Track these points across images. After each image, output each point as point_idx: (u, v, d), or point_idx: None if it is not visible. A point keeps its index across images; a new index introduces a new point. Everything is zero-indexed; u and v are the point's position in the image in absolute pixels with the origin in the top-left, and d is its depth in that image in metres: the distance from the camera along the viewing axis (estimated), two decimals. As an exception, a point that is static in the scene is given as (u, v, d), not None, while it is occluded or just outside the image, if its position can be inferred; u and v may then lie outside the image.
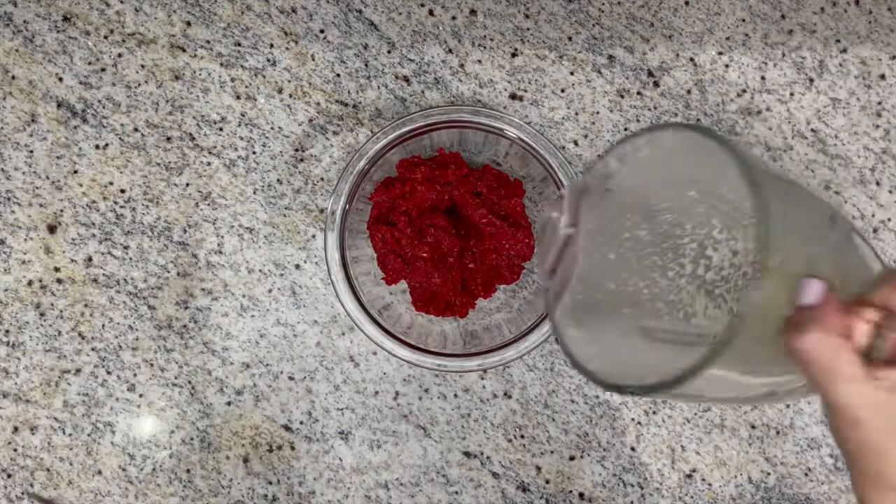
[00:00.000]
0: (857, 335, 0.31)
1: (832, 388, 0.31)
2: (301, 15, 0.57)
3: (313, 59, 0.56)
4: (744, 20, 0.57)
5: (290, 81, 0.56)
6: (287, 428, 0.56)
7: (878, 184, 0.57)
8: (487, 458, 0.56)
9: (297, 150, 0.56)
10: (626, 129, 0.57)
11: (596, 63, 0.57)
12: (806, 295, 0.31)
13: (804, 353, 0.31)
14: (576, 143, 0.57)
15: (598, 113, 0.57)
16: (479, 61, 0.57)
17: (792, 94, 0.57)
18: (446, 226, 0.52)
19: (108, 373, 0.55)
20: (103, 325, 0.55)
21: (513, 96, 0.57)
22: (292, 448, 0.56)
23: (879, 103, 0.57)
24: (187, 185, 0.56)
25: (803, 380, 0.33)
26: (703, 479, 0.56)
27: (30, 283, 0.56)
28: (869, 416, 0.30)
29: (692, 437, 0.56)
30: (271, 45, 0.56)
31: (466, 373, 0.55)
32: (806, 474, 0.56)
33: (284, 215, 0.56)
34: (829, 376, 0.31)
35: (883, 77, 0.57)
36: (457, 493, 0.56)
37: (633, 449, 0.56)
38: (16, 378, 0.55)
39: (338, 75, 0.56)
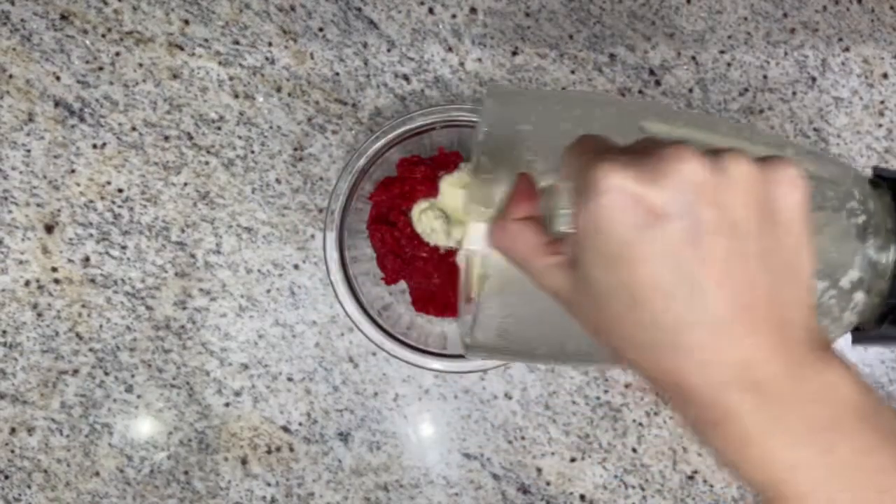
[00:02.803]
0: (539, 214, 0.30)
1: (531, 274, 0.29)
2: (300, 13, 0.56)
3: (312, 58, 0.56)
4: (746, 18, 0.57)
5: (288, 80, 0.56)
6: (286, 429, 0.55)
7: (881, 183, 0.57)
8: (488, 459, 0.56)
9: (295, 149, 0.56)
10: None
11: (597, 62, 0.56)
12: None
13: (501, 249, 0.30)
14: (577, 142, 0.56)
15: (599, 112, 0.56)
16: (480, 60, 0.56)
17: (794, 93, 0.57)
18: (446, 225, 0.51)
19: (106, 374, 0.55)
20: (101, 326, 0.55)
21: (513, 95, 0.56)
22: (291, 449, 0.55)
23: (882, 102, 0.57)
24: (185, 184, 0.56)
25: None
26: (705, 481, 0.56)
27: (27, 283, 0.55)
28: (568, 296, 0.28)
29: (694, 438, 0.56)
30: (270, 44, 0.56)
31: (466, 374, 0.55)
32: (808, 476, 0.56)
33: (283, 215, 0.56)
34: (522, 264, 0.30)
35: (885, 76, 0.57)
36: (457, 494, 0.55)
37: (634, 450, 0.56)
38: (13, 379, 0.55)
39: (337, 74, 0.56)
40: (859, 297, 0.34)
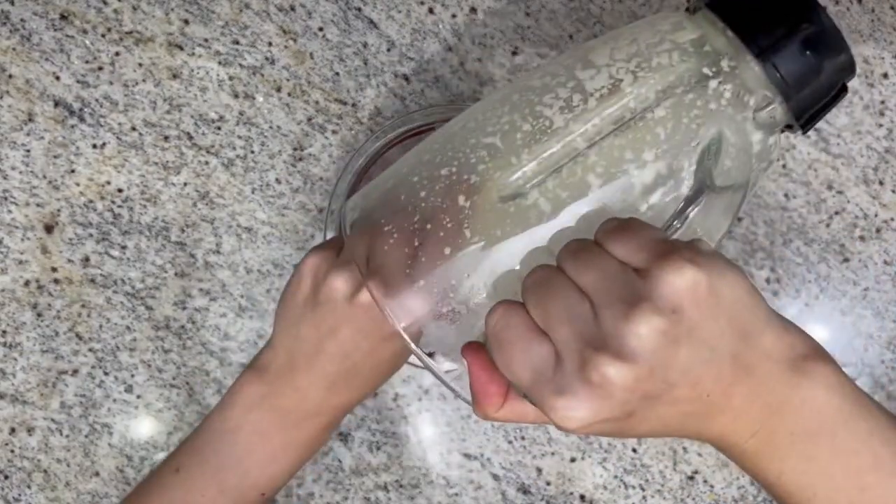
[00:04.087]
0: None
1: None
2: (300, 13, 0.56)
3: (312, 58, 0.56)
4: (746, 18, 0.57)
5: (288, 80, 0.56)
6: (286, 429, 0.55)
7: (881, 183, 0.57)
8: (488, 459, 0.56)
9: (295, 149, 0.56)
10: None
11: (597, 61, 0.56)
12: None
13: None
14: (577, 142, 0.56)
15: (599, 112, 0.56)
16: (480, 59, 0.56)
17: (794, 93, 0.57)
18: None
19: (106, 374, 0.55)
20: (101, 326, 0.55)
21: (513, 95, 0.56)
22: (291, 449, 0.55)
23: (882, 102, 0.57)
24: (185, 184, 0.56)
25: None
26: (706, 481, 0.56)
27: (27, 283, 0.55)
28: (597, 430, 0.30)
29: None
30: (270, 44, 0.56)
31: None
32: (808, 476, 0.56)
33: (283, 215, 0.56)
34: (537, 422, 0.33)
35: (886, 76, 0.57)
36: (457, 494, 0.55)
37: (634, 450, 0.56)
38: (13, 379, 0.55)
39: (337, 74, 0.56)
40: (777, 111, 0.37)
